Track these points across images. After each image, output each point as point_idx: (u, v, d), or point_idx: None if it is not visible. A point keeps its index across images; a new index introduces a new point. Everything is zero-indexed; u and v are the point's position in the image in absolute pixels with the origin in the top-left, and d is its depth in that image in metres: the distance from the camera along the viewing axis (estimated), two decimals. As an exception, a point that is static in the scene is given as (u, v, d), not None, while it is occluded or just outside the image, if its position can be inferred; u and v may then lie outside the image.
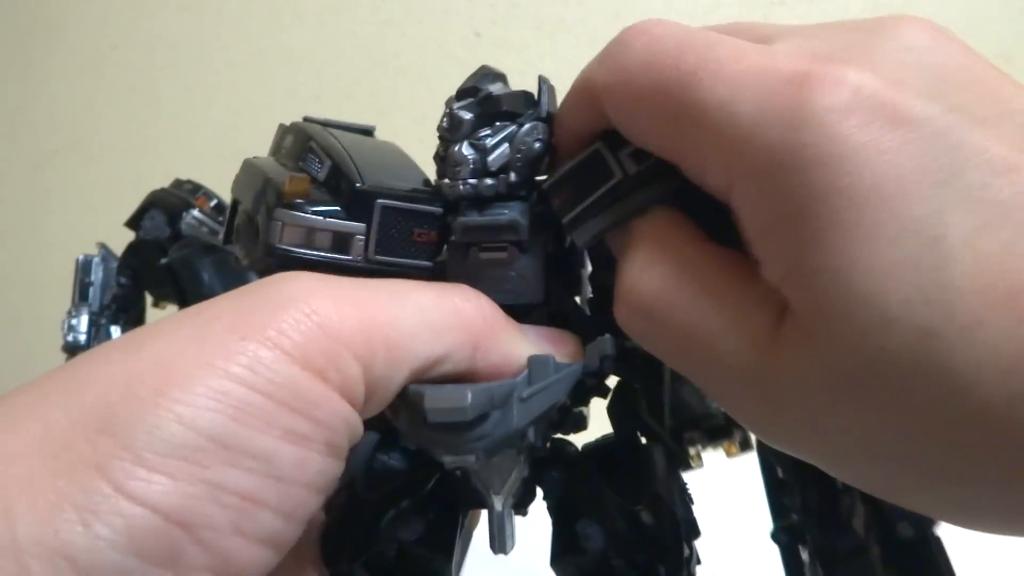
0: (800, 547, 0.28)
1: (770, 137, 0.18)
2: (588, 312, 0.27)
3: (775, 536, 0.28)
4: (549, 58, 0.86)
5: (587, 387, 0.25)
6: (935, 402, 0.16)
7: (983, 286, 0.16)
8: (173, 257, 0.46)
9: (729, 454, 0.30)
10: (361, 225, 0.24)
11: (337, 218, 0.24)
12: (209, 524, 0.17)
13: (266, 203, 0.24)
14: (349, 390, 0.20)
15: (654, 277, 0.21)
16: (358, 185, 0.24)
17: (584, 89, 0.23)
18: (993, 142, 0.17)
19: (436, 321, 0.22)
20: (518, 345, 0.24)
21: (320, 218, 0.24)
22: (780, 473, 0.29)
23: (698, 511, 0.27)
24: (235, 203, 0.27)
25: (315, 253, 0.24)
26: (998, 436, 0.16)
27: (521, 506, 0.27)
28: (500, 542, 0.24)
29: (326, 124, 0.28)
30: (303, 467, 0.19)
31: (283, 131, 0.28)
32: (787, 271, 0.18)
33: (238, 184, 0.27)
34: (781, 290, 0.18)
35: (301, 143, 0.26)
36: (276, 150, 0.28)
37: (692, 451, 0.28)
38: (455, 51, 0.88)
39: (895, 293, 0.16)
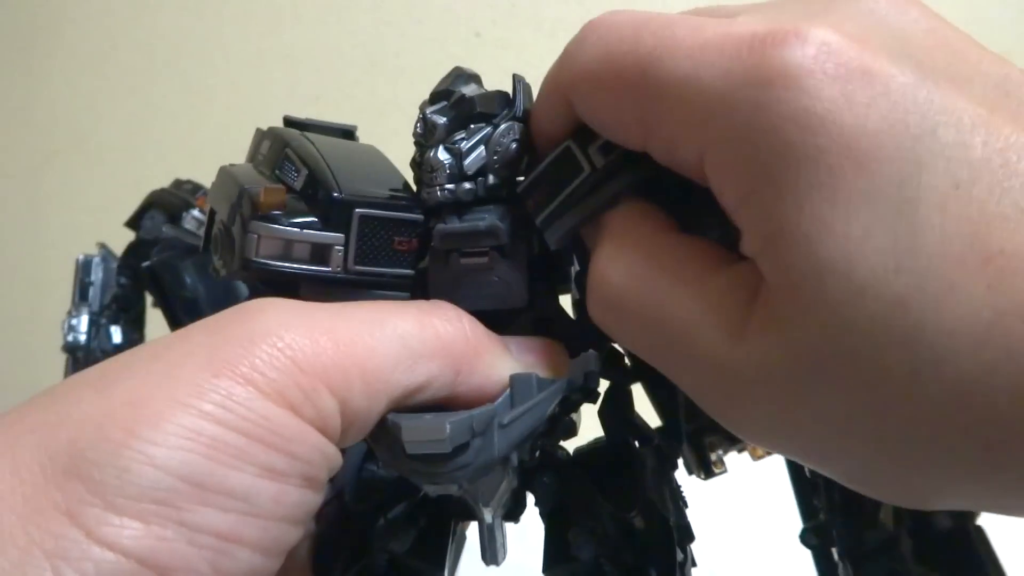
0: (832, 549, 0.27)
1: (737, 99, 0.17)
2: (573, 314, 0.27)
3: (804, 538, 0.27)
4: (549, 58, 0.86)
5: (573, 402, 0.24)
6: (908, 377, 0.16)
7: (956, 252, 0.15)
8: (155, 260, 0.46)
9: (755, 456, 0.29)
10: (340, 236, 0.23)
11: (314, 229, 0.23)
12: (186, 567, 0.17)
13: (241, 215, 0.23)
14: (325, 424, 0.19)
15: (621, 268, 0.21)
16: (335, 195, 0.23)
17: (551, 90, 0.23)
18: (964, 100, 0.16)
19: (416, 348, 0.21)
20: (501, 363, 0.23)
21: (297, 230, 0.23)
22: (807, 472, 0.28)
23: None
24: (212, 212, 0.26)
25: (293, 266, 0.23)
26: (974, 410, 0.16)
27: (512, 515, 0.26)
28: (491, 553, 0.24)
29: (305, 126, 0.27)
30: (280, 502, 0.18)
31: (260, 136, 0.27)
32: (764, 240, 0.17)
33: (213, 193, 0.26)
34: (758, 263, 0.18)
35: (277, 150, 0.26)
36: (253, 156, 0.27)
37: (714, 456, 0.27)
38: (455, 51, 0.88)
39: (867, 260, 0.16)
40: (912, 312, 0.16)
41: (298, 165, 0.25)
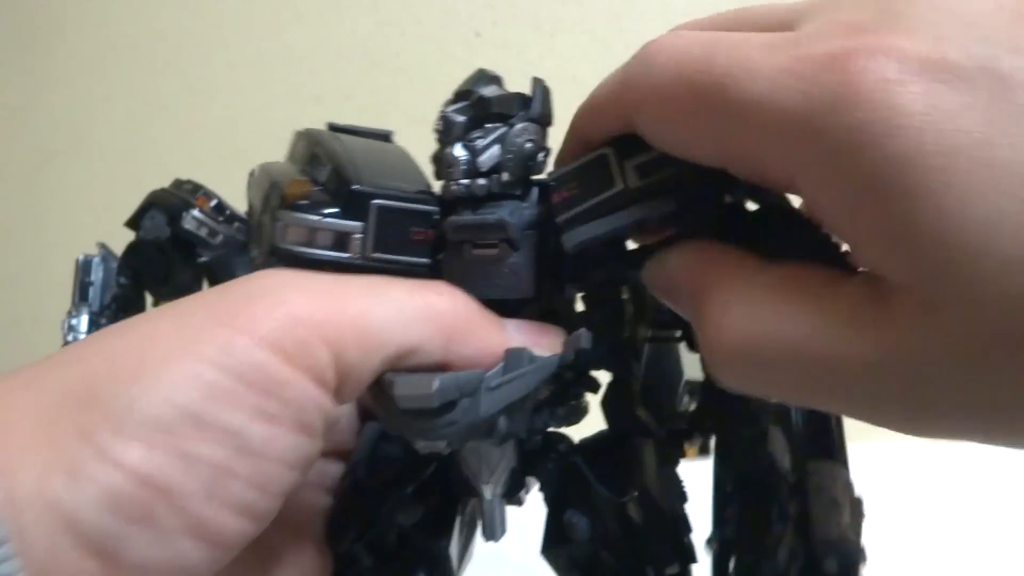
0: (730, 559, 0.29)
1: (825, 123, 0.17)
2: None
3: (709, 543, 0.29)
4: (549, 58, 0.86)
5: (566, 380, 0.25)
6: None
7: None
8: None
9: (686, 455, 0.31)
10: (358, 224, 0.25)
11: (336, 218, 0.25)
12: (182, 490, 0.19)
13: (271, 205, 0.26)
14: (319, 375, 0.21)
15: (741, 316, 0.20)
16: (354, 187, 0.25)
17: (606, 105, 0.23)
18: None
19: (408, 314, 0.23)
20: (495, 338, 0.24)
21: (319, 218, 0.25)
22: (729, 487, 0.29)
23: (701, 510, 0.28)
24: (251, 206, 0.28)
25: (317, 252, 0.25)
26: None
27: (512, 496, 0.27)
28: (490, 530, 0.25)
29: (344, 130, 0.29)
30: (272, 443, 0.20)
31: (296, 137, 0.30)
32: (888, 247, 0.17)
33: (252, 188, 0.28)
34: (882, 269, 0.18)
35: (308, 148, 0.28)
36: (291, 156, 0.29)
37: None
38: (455, 51, 0.88)
39: (1008, 234, 0.16)
40: None
41: (324, 161, 0.27)
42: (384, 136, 0.31)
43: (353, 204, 0.25)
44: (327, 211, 0.25)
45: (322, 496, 0.29)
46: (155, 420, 0.19)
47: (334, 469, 0.29)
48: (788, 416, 0.29)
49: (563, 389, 0.26)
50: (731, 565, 0.28)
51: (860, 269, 0.19)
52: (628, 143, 0.22)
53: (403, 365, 0.23)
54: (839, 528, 0.27)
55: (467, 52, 0.88)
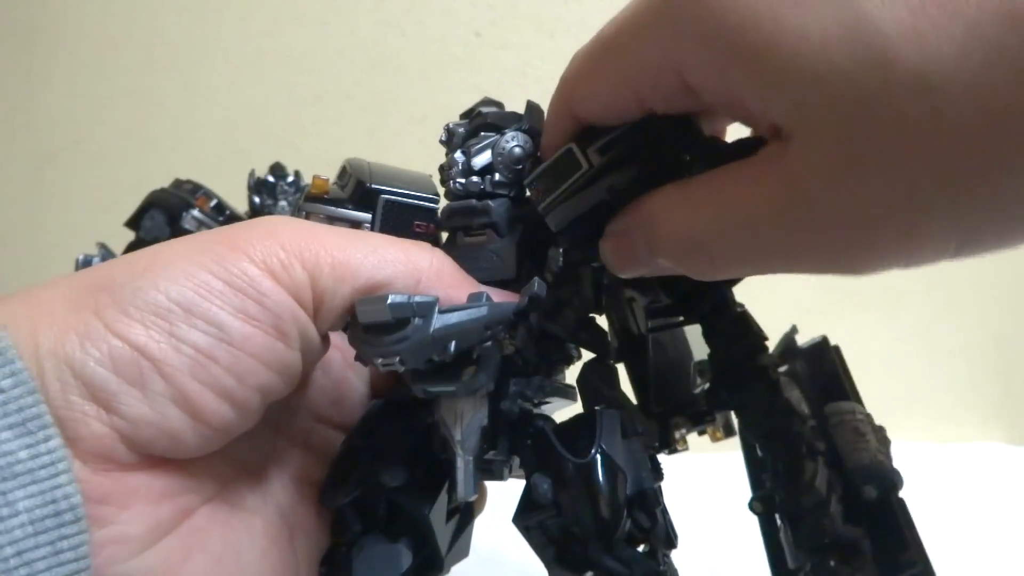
0: (776, 516, 0.30)
1: (677, 16, 0.21)
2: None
3: (751, 505, 0.31)
4: (549, 58, 0.86)
5: (532, 336, 0.27)
6: (910, 121, 0.18)
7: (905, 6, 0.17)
8: None
9: (714, 439, 0.33)
10: (367, 215, 0.30)
11: (349, 209, 0.30)
12: (169, 363, 0.23)
13: (299, 201, 0.32)
14: (298, 291, 0.25)
15: (679, 218, 0.24)
16: (367, 184, 0.30)
17: (559, 111, 0.27)
18: None
19: (383, 255, 0.27)
20: (465, 291, 0.28)
21: (335, 208, 0.30)
22: (758, 451, 0.31)
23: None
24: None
25: None
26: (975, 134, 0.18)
27: (488, 465, 0.28)
28: (462, 486, 0.26)
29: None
30: (250, 340, 0.24)
31: (342, 164, 0.35)
32: (755, 89, 0.20)
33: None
34: (766, 114, 0.20)
35: (341, 167, 0.34)
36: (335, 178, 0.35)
37: (677, 435, 0.32)
38: (455, 51, 0.88)
39: (815, 40, 0.18)
40: (883, 66, 0.18)
41: (349, 173, 0.32)
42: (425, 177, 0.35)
43: (365, 198, 0.30)
44: (342, 205, 0.30)
45: (327, 464, 0.31)
46: (153, 305, 0.23)
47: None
48: (795, 371, 0.31)
49: (535, 350, 0.27)
50: (778, 521, 0.30)
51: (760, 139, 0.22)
52: (585, 135, 0.26)
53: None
54: (869, 453, 0.29)
55: (467, 52, 0.88)
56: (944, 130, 0.18)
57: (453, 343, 0.25)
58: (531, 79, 0.88)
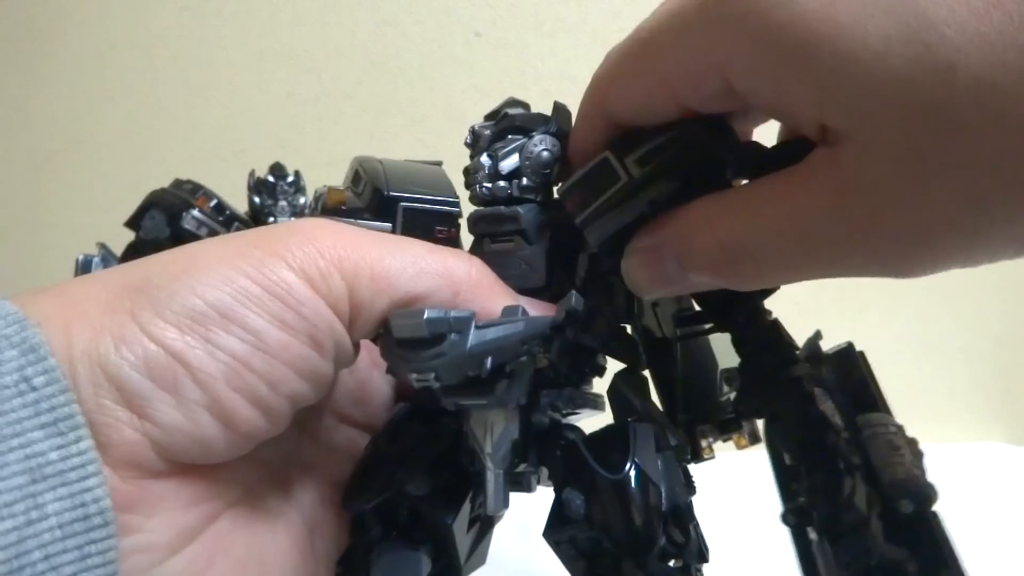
0: (808, 528, 0.29)
1: (723, 19, 0.20)
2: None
3: (784, 518, 0.30)
4: (549, 58, 0.86)
5: (567, 349, 0.26)
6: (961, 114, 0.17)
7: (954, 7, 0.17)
8: None
9: (739, 446, 0.33)
10: (388, 225, 0.29)
11: (369, 220, 0.29)
12: (205, 369, 0.23)
13: (316, 211, 0.31)
14: (335, 302, 0.24)
15: (722, 225, 0.23)
16: (385, 192, 0.30)
17: (591, 111, 0.26)
18: None
19: (422, 266, 0.26)
20: (503, 301, 0.27)
21: (355, 222, 0.29)
22: (788, 460, 0.30)
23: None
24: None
25: None
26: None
27: (515, 470, 0.28)
28: (492, 501, 0.26)
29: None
30: (286, 348, 0.24)
31: (351, 163, 0.34)
32: (814, 98, 0.19)
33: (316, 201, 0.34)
34: (821, 119, 0.20)
35: (353, 170, 0.32)
36: (345, 179, 0.34)
37: (704, 443, 0.31)
38: (455, 51, 0.88)
39: (896, 51, 0.18)
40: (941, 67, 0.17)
41: (363, 177, 0.31)
42: (435, 164, 0.34)
43: (384, 207, 0.30)
44: (361, 216, 0.29)
45: (351, 464, 0.30)
46: (190, 309, 0.23)
47: (365, 441, 0.31)
48: (825, 380, 0.30)
49: (568, 361, 0.26)
50: (811, 533, 0.29)
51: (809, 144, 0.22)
52: (621, 144, 0.25)
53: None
54: (904, 468, 0.28)
55: (467, 52, 0.88)
56: (1009, 137, 0.17)
57: (490, 359, 0.24)
58: (531, 79, 0.88)
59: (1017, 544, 0.63)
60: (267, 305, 0.23)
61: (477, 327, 0.24)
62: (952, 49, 0.17)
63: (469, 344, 0.24)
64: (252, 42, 0.91)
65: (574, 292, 0.26)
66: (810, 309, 0.87)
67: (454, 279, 0.26)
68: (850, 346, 0.33)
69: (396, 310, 0.25)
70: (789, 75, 0.19)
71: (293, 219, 0.26)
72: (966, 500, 0.70)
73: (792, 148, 0.23)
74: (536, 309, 0.27)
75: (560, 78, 0.85)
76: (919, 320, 0.94)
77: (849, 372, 0.32)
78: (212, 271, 0.23)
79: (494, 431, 0.26)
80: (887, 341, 0.92)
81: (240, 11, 0.91)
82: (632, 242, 0.26)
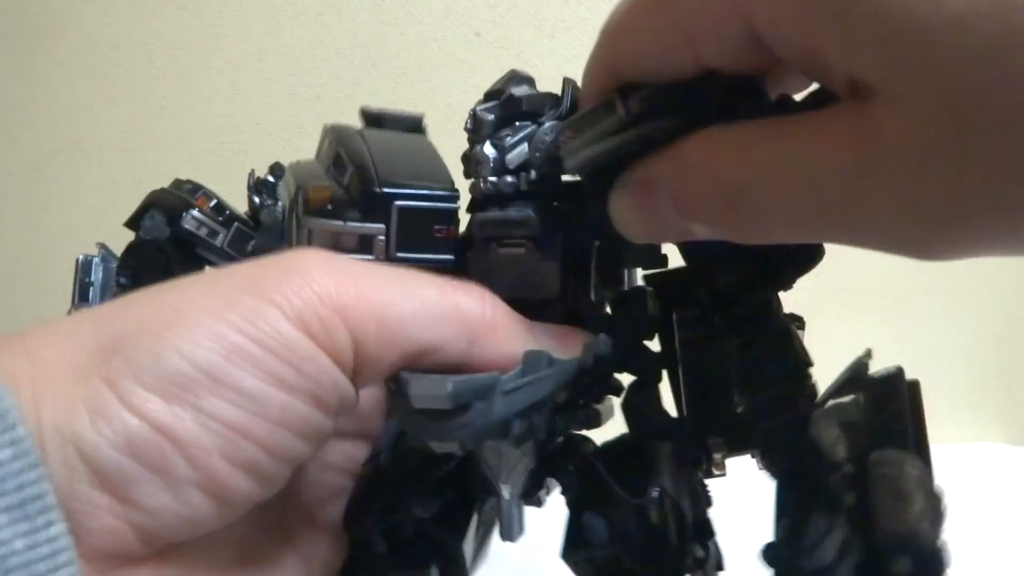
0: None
1: None
2: (600, 305, 0.28)
3: (762, 556, 0.26)
4: (549, 58, 0.86)
5: (586, 383, 0.25)
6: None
7: None
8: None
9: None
10: (381, 227, 0.26)
11: (358, 221, 0.26)
12: (197, 443, 0.20)
13: (296, 211, 0.27)
14: (338, 355, 0.22)
15: (725, 160, 0.20)
16: (376, 190, 0.26)
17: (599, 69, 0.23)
18: None
19: (434, 312, 0.23)
20: (519, 341, 0.24)
21: (342, 223, 0.26)
22: (780, 488, 0.27)
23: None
24: (290, 207, 0.29)
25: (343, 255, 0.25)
26: None
27: (530, 496, 0.27)
28: (508, 530, 0.25)
29: (380, 119, 0.29)
30: (287, 411, 0.21)
31: (325, 133, 0.30)
32: (856, 43, 0.17)
33: (285, 187, 0.30)
34: (856, 71, 0.17)
35: (332, 148, 0.28)
36: (317, 153, 0.30)
37: (717, 457, 0.27)
38: (455, 51, 0.88)
39: (973, 22, 0.15)
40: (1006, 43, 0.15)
41: (347, 163, 0.27)
42: (415, 124, 0.30)
43: (375, 206, 0.26)
44: (350, 215, 0.26)
45: (345, 480, 0.29)
46: (175, 375, 0.20)
47: (358, 452, 0.29)
48: (845, 405, 0.26)
49: (584, 391, 0.25)
50: None
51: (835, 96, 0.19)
52: (629, 87, 0.22)
53: (425, 361, 0.23)
54: (910, 517, 0.24)
55: (467, 52, 0.88)
56: None
57: (517, 424, 0.23)
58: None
59: (1017, 544, 0.63)
60: (265, 363, 0.20)
61: (503, 392, 0.22)
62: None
63: (496, 413, 0.22)
64: (252, 42, 0.91)
65: (604, 336, 0.24)
66: (810, 309, 0.86)
67: (468, 324, 0.23)
68: (899, 372, 0.28)
69: (413, 377, 0.22)
70: (820, 16, 0.17)
71: (286, 251, 0.24)
72: (966, 500, 0.70)
73: (820, 97, 0.20)
74: (556, 341, 0.25)
75: (560, 78, 0.85)
76: (919, 320, 0.94)
77: (886, 401, 0.27)
78: (198, 326, 0.20)
79: (509, 459, 0.24)
80: (887, 341, 0.92)
81: (240, 11, 0.91)
82: (624, 174, 0.23)
